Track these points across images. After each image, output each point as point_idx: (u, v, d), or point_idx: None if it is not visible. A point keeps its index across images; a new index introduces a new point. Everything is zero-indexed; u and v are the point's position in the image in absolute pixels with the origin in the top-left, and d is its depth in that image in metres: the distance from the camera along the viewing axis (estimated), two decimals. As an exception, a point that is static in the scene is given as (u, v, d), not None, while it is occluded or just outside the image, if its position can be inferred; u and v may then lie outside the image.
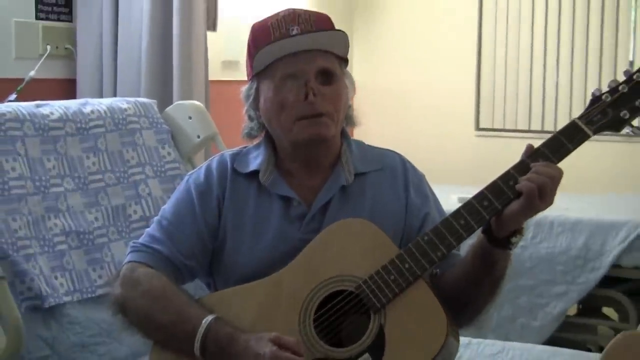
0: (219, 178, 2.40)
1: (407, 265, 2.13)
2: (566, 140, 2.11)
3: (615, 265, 5.04)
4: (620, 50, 6.67)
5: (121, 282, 2.34)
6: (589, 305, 5.43)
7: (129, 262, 2.38)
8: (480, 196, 2.12)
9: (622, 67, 6.47)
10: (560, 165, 2.12)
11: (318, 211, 2.34)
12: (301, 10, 2.36)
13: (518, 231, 2.16)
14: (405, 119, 7.13)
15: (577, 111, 6.53)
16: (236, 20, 5.70)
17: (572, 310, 5.38)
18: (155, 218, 2.46)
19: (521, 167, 2.11)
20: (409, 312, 2.13)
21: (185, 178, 2.49)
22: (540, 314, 5.13)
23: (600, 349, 4.97)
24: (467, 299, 2.27)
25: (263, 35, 2.33)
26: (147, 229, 2.45)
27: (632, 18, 6.65)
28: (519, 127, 6.88)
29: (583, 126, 2.11)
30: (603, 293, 5.16)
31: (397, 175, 2.45)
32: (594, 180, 5.96)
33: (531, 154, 2.12)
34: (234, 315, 2.21)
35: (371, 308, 2.13)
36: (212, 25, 5.30)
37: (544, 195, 2.06)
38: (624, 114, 2.11)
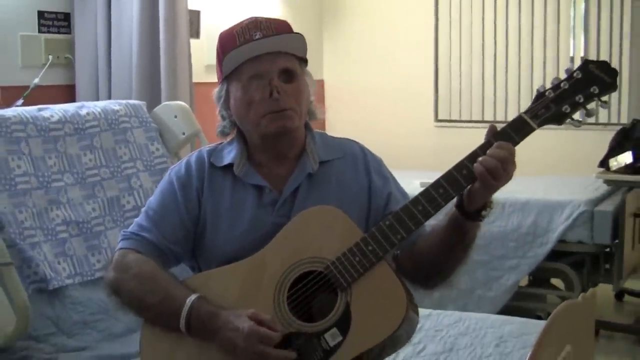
0: (198, 171, 2.37)
1: (370, 248, 2.10)
2: (513, 133, 2.07)
3: (560, 241, 5.11)
4: (562, 47, 6.71)
5: (114, 267, 2.30)
6: (539, 277, 5.47)
7: (120, 249, 2.35)
8: (436, 184, 2.09)
9: (563, 62, 6.59)
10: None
11: (288, 197, 2.31)
12: (263, 18, 2.34)
13: (487, 205, 2.13)
14: (372, 113, 7.15)
15: (525, 102, 6.63)
16: (217, 28, 5.65)
17: (524, 282, 5.42)
18: (143, 209, 2.43)
19: (472, 157, 2.07)
20: (372, 290, 2.10)
21: (168, 172, 2.45)
22: (495, 285, 5.17)
23: (549, 316, 4.98)
24: (442, 262, 2.24)
25: (229, 42, 2.30)
26: (136, 219, 2.41)
27: (572, 19, 6.67)
28: (474, 118, 6.93)
29: (529, 120, 2.07)
30: (550, 265, 5.23)
31: (357, 162, 2.42)
32: (540, 164, 5.97)
33: (483, 146, 2.08)
34: (215, 294, 2.18)
35: (338, 287, 2.10)
36: (195, 33, 5.30)
37: (495, 175, 2.03)
38: (565, 108, 2.07)
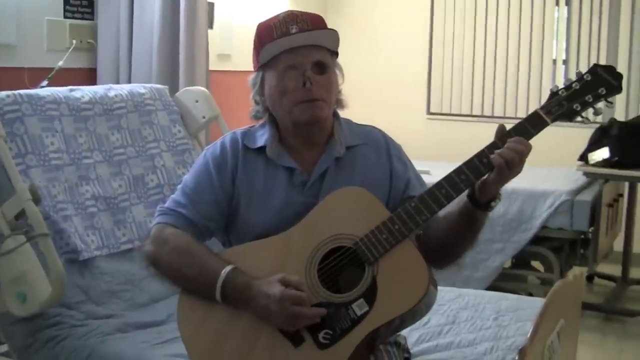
0: (232, 152, 2.39)
1: (396, 227, 2.15)
2: (530, 126, 2.14)
3: (543, 227, 5.19)
4: (546, 49, 6.82)
5: (152, 240, 2.32)
6: (520, 259, 5.55)
7: (158, 223, 2.36)
8: (458, 170, 2.14)
9: (547, 64, 6.63)
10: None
11: (317, 179, 2.34)
12: (299, 12, 2.36)
13: (496, 196, 2.18)
14: (368, 106, 7.13)
15: (511, 100, 6.69)
16: (229, 20, 5.70)
17: (507, 264, 5.49)
18: (179, 186, 2.44)
19: (492, 147, 2.13)
20: (398, 265, 2.14)
21: (203, 152, 2.46)
22: (482, 266, 5.25)
23: (529, 295, 5.11)
24: (452, 245, 2.30)
25: (267, 34, 2.32)
26: (172, 196, 2.43)
27: (555, 25, 6.76)
28: (463, 112, 6.98)
29: (544, 115, 2.14)
30: (532, 249, 5.31)
31: (380, 148, 2.46)
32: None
33: (502, 136, 2.14)
34: (249, 267, 2.21)
35: (366, 261, 2.15)
36: (209, 23, 5.29)
37: (511, 166, 2.09)
38: (576, 106, 2.15)
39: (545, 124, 2.14)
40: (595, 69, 2.16)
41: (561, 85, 2.18)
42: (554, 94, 2.17)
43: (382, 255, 2.14)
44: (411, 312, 2.14)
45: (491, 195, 2.17)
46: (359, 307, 2.12)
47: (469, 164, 2.14)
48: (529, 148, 2.11)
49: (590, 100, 2.15)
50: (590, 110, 2.18)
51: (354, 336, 2.11)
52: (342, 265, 2.18)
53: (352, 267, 2.17)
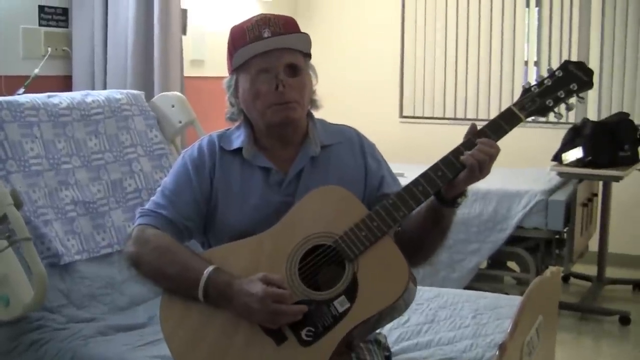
0: (210, 154, 2.42)
1: (375, 224, 2.18)
2: (504, 123, 2.18)
3: (518, 227, 5.23)
4: (517, 52, 6.87)
5: (133, 241, 2.35)
6: (496, 260, 5.58)
7: (139, 224, 2.39)
8: (435, 167, 2.18)
9: (518, 65, 6.68)
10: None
11: (293, 178, 2.38)
12: (272, 15, 2.39)
13: (462, 193, 2.22)
14: (340, 110, 7.12)
15: (484, 103, 6.74)
16: (201, 26, 5.72)
17: (482, 265, 5.54)
18: (158, 189, 2.47)
19: (467, 144, 2.17)
20: (377, 262, 2.17)
21: (182, 155, 2.49)
22: (458, 267, 5.30)
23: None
24: (422, 244, 2.33)
25: (240, 38, 2.35)
26: (152, 198, 2.46)
27: (526, 27, 6.83)
28: (435, 115, 7.04)
29: (517, 112, 2.19)
30: (508, 249, 5.36)
31: (354, 146, 2.50)
32: (499, 158, 6.07)
33: (476, 133, 2.18)
34: (229, 267, 2.23)
35: (346, 259, 2.17)
36: (183, 29, 5.31)
37: (482, 168, 2.14)
38: (549, 102, 2.19)
39: (519, 120, 2.18)
40: (566, 65, 2.21)
41: (533, 82, 2.23)
42: (526, 90, 2.21)
43: (362, 253, 2.17)
44: (390, 309, 2.16)
45: (457, 193, 2.21)
46: (341, 304, 2.14)
47: (445, 160, 2.17)
48: (498, 150, 2.15)
49: (563, 95, 2.19)
50: (563, 106, 2.23)
51: (337, 332, 2.13)
52: (322, 263, 2.21)
53: (333, 264, 2.20)
